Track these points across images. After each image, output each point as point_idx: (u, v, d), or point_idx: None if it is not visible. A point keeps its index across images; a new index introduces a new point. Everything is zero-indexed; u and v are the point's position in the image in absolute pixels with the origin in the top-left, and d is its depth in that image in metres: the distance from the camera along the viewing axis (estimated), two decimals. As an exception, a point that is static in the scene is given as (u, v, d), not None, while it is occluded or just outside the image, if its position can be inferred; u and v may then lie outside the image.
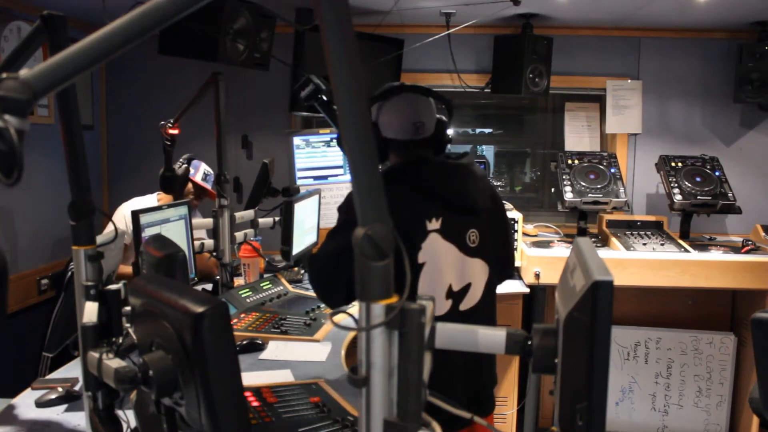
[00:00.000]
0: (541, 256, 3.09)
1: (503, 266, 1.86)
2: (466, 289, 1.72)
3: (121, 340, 1.22)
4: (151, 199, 3.03)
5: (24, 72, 0.68)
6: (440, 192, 1.72)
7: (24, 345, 2.92)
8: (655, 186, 3.59)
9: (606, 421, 0.71)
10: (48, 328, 2.85)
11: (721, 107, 3.55)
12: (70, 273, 2.84)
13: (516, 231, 3.18)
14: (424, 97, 1.77)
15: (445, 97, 1.82)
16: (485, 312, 1.78)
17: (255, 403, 1.59)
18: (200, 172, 3.01)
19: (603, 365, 0.69)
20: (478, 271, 1.75)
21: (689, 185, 3.28)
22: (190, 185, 2.94)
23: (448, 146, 1.85)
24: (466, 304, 1.73)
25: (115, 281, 1.31)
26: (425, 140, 1.76)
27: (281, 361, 1.96)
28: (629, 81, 3.59)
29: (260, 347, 2.06)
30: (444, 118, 1.81)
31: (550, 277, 3.03)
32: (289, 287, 2.71)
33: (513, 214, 3.22)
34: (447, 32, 3.33)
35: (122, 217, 2.88)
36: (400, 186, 1.69)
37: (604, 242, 3.33)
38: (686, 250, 3.10)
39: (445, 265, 1.69)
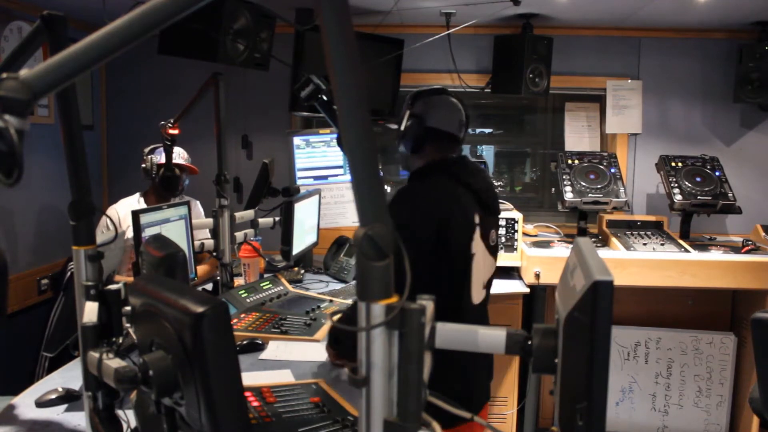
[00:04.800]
0: (541, 256, 3.09)
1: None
2: (486, 281, 1.93)
3: (121, 340, 1.22)
4: (135, 200, 3.02)
5: (24, 72, 0.68)
6: (479, 191, 1.85)
7: (24, 345, 2.92)
8: (655, 186, 3.59)
9: (606, 421, 0.71)
10: (46, 328, 2.86)
11: (721, 107, 3.55)
12: (69, 273, 2.84)
13: (516, 231, 3.18)
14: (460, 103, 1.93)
15: (467, 110, 1.95)
16: (487, 304, 1.99)
17: (255, 403, 1.59)
18: (162, 155, 2.99)
19: (603, 365, 0.69)
20: (490, 267, 1.93)
21: (689, 185, 3.28)
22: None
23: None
24: (484, 294, 1.94)
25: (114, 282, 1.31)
26: (459, 140, 1.91)
27: (281, 361, 1.96)
28: (629, 81, 3.59)
29: (260, 347, 2.06)
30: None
31: (550, 277, 3.03)
32: (289, 287, 2.71)
33: (513, 214, 3.22)
34: (447, 32, 3.33)
35: (114, 216, 2.89)
36: (451, 180, 1.82)
37: (604, 242, 3.33)
38: (686, 250, 3.10)
39: (481, 257, 1.85)
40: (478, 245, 1.82)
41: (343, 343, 1.77)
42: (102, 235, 2.67)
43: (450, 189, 1.80)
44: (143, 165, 2.98)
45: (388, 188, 3.96)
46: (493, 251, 1.92)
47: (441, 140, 1.86)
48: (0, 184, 0.69)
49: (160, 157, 2.95)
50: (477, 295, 1.86)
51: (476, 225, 1.82)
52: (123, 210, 2.94)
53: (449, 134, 1.87)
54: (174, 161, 2.93)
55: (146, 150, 3.01)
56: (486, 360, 1.98)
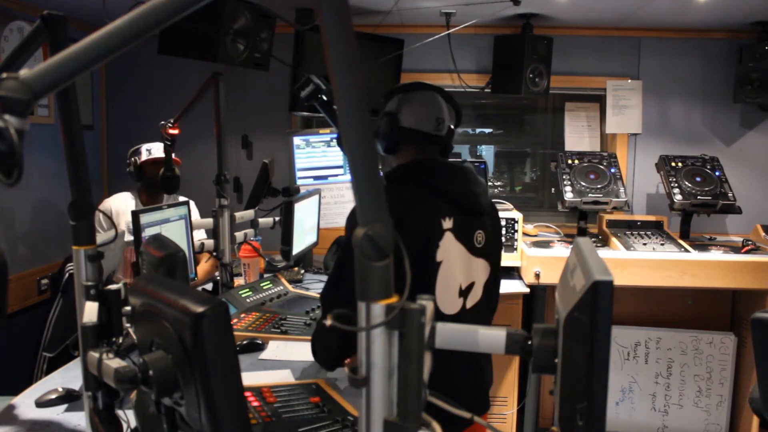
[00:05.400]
0: (541, 256, 3.09)
1: (498, 267, 1.91)
2: (470, 287, 1.77)
3: (121, 340, 1.22)
4: (129, 197, 3.03)
5: (24, 72, 0.68)
6: (451, 192, 1.73)
7: (24, 345, 2.92)
8: (655, 186, 3.59)
9: (606, 421, 0.71)
10: (45, 328, 2.86)
11: (721, 107, 3.55)
12: (67, 274, 2.85)
13: (516, 231, 3.18)
14: (442, 98, 1.80)
15: (457, 105, 1.84)
16: (484, 310, 1.82)
17: (255, 403, 1.59)
18: (144, 151, 2.99)
19: (603, 365, 0.69)
20: (480, 270, 1.79)
21: (689, 185, 3.28)
22: (156, 170, 2.83)
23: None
24: (469, 302, 1.77)
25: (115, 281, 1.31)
26: (438, 139, 1.78)
27: (281, 361, 1.96)
28: (629, 81, 3.59)
29: (260, 347, 2.06)
30: (452, 125, 1.83)
31: (550, 277, 3.03)
32: (289, 287, 2.71)
33: (513, 214, 3.22)
34: (447, 32, 3.33)
35: (108, 210, 2.92)
36: (415, 185, 1.71)
37: (604, 242, 3.33)
38: (686, 250, 3.10)
39: (456, 264, 1.71)
40: (448, 252, 1.70)
41: (318, 355, 1.70)
42: (101, 235, 2.68)
43: (409, 196, 1.68)
44: (128, 169, 2.99)
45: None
46: (483, 253, 1.78)
47: (415, 140, 1.74)
48: (0, 184, 0.69)
49: (140, 157, 2.97)
50: (449, 305, 1.71)
51: (445, 230, 1.69)
52: (115, 204, 2.96)
53: (424, 134, 1.74)
54: (154, 156, 2.94)
55: (129, 152, 3.03)
56: (478, 372, 1.84)
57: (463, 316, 1.76)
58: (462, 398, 1.76)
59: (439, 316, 1.64)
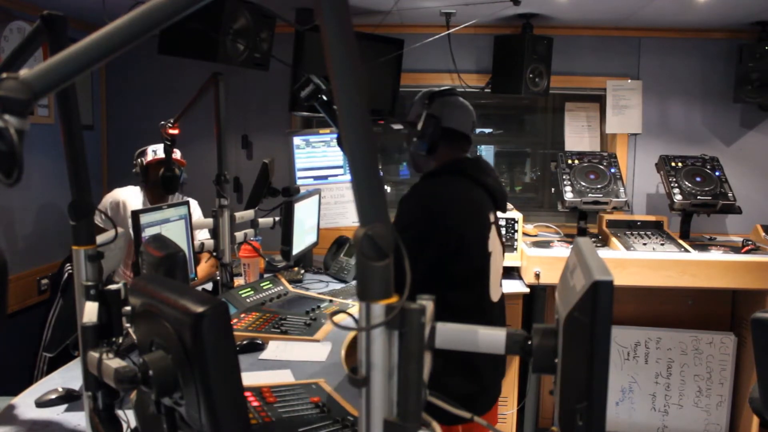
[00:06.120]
0: (541, 256, 3.09)
1: None
2: (502, 276, 2.00)
3: (121, 340, 1.22)
4: (137, 191, 3.04)
5: (24, 72, 0.68)
6: (492, 189, 1.91)
7: (24, 345, 2.92)
8: (655, 186, 3.59)
9: (606, 421, 0.71)
10: (45, 328, 2.85)
11: (721, 107, 3.55)
12: (66, 275, 2.84)
13: (516, 231, 3.19)
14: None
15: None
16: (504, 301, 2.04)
17: (255, 403, 1.59)
18: (150, 152, 3.01)
19: (603, 365, 0.69)
20: (502, 260, 2.00)
21: (689, 185, 3.28)
22: (161, 170, 2.85)
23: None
24: (503, 290, 2.00)
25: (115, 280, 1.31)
26: (471, 141, 1.97)
27: (281, 361, 1.96)
28: (629, 81, 3.59)
29: (260, 347, 2.06)
30: None
31: (550, 277, 3.03)
32: (289, 287, 2.71)
33: (513, 214, 3.22)
34: (447, 32, 3.33)
35: (116, 200, 2.96)
36: (468, 180, 1.87)
37: (604, 242, 3.33)
38: (686, 250, 3.10)
39: (497, 254, 1.91)
40: (494, 243, 1.89)
41: None
42: (103, 235, 2.68)
43: (466, 189, 1.85)
44: (134, 170, 3.01)
45: (387, 188, 3.96)
46: (502, 245, 1.99)
47: (456, 140, 1.91)
48: (0, 184, 0.69)
49: (146, 157, 2.97)
50: (495, 293, 1.89)
51: (491, 224, 1.88)
52: (123, 195, 2.99)
53: (464, 135, 1.92)
54: (159, 157, 2.94)
55: (136, 153, 3.03)
56: (500, 357, 1.99)
57: (502, 303, 1.97)
58: (483, 381, 1.89)
59: (488, 303, 1.86)
